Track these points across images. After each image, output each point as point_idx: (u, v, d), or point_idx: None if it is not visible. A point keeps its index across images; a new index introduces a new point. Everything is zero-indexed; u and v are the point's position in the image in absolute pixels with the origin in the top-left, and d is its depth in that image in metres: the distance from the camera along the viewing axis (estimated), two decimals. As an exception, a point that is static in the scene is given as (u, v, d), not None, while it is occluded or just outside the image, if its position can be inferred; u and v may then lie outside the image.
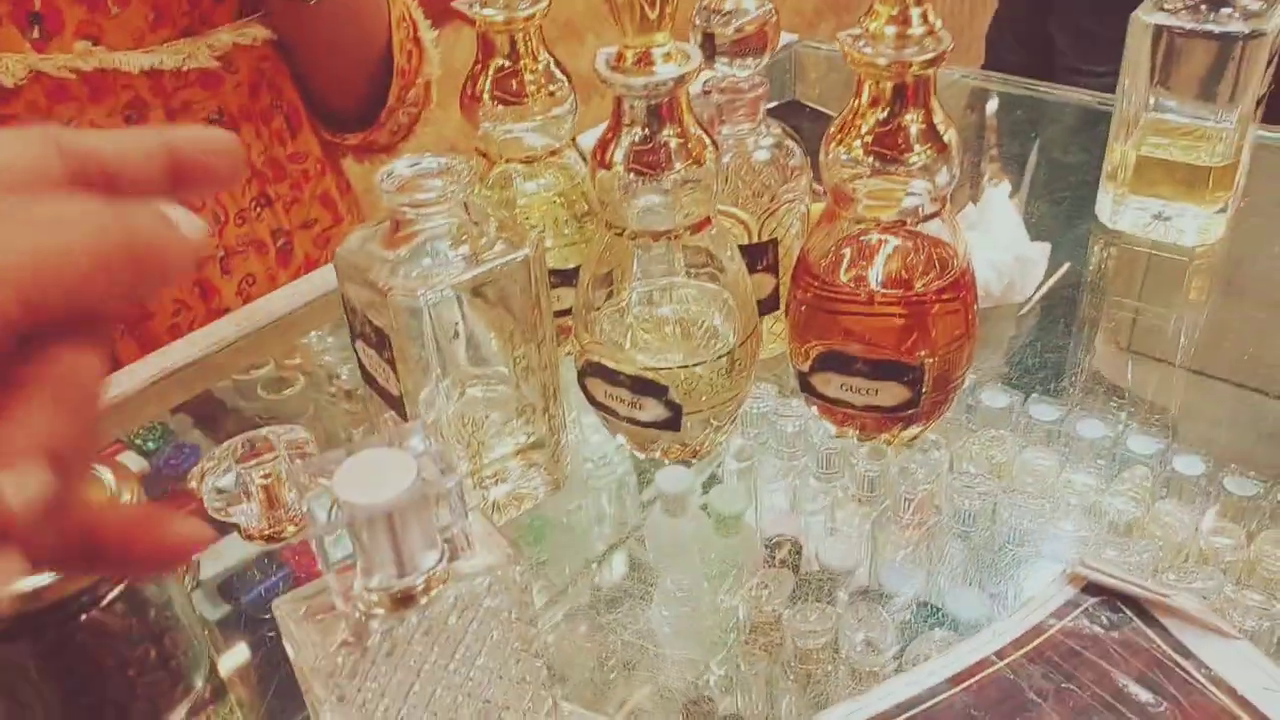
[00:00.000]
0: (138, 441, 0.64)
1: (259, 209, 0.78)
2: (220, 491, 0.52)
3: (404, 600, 0.36)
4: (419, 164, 0.48)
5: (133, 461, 0.62)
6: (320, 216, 0.84)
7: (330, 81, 0.83)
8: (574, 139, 0.61)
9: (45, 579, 0.39)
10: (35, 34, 0.66)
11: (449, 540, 0.36)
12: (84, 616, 0.40)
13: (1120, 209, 0.75)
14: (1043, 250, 0.68)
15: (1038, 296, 0.69)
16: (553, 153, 0.60)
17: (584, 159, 0.62)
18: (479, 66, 0.58)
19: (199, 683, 0.46)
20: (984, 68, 1.63)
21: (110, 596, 0.41)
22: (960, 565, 0.54)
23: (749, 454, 0.60)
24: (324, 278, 0.76)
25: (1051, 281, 0.70)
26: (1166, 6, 0.69)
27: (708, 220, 0.51)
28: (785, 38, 1.01)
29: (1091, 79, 1.19)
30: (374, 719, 0.36)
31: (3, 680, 0.41)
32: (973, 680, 0.43)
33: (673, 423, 0.53)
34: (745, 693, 0.49)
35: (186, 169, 0.29)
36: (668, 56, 0.47)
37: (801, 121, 0.84)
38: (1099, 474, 0.57)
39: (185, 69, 0.72)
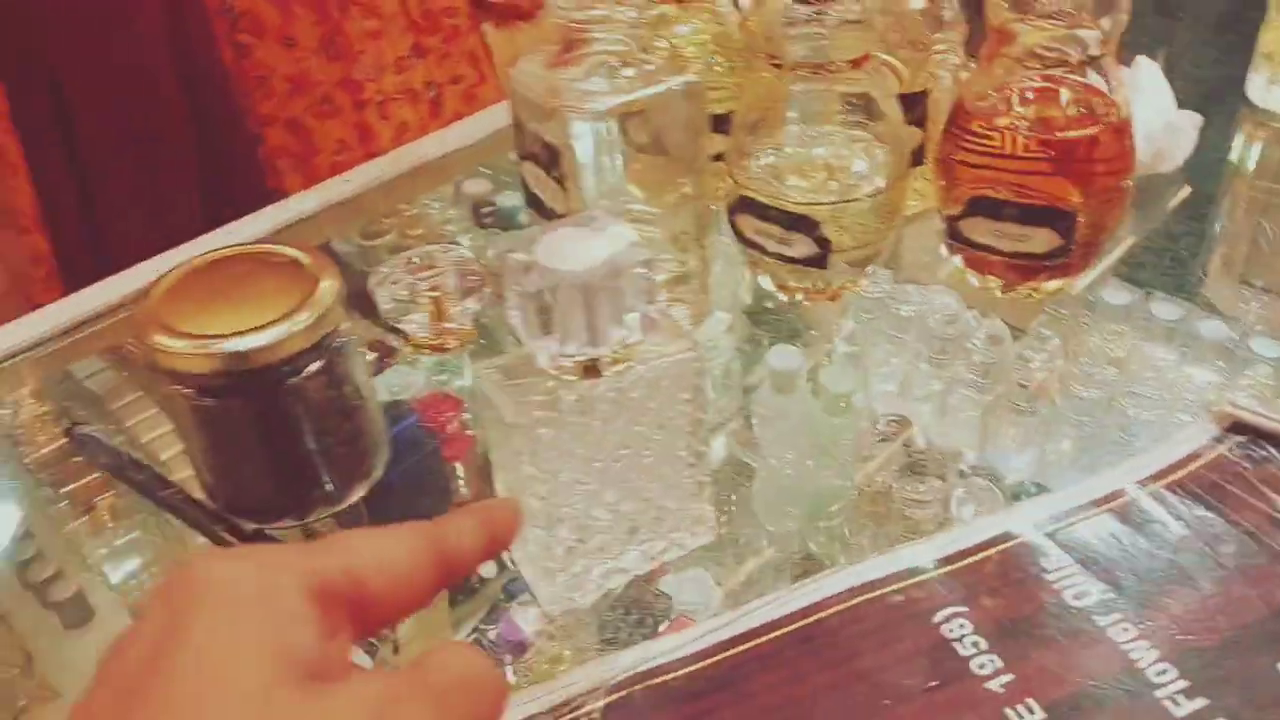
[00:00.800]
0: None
1: (414, 58, 0.81)
2: (395, 300, 0.55)
3: (593, 369, 0.38)
4: (598, -15, 0.49)
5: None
6: (467, 74, 0.86)
7: None
8: (731, -17, 0.62)
9: (257, 340, 0.43)
10: None
11: (637, 321, 0.38)
12: (288, 382, 0.44)
13: (1273, 89, 0.73)
14: (1193, 120, 0.67)
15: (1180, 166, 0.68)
16: (708, -6, 0.61)
17: (736, 4, 0.63)
18: (645, -95, 0.59)
19: (378, 469, 0.50)
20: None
21: (312, 368, 0.44)
22: (1073, 453, 0.54)
23: (860, 337, 0.61)
24: (468, 129, 0.78)
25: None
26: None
27: (866, 57, 0.52)
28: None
29: None
30: (559, 476, 0.40)
31: (216, 432, 0.45)
32: (1111, 504, 0.45)
33: (820, 260, 0.55)
34: (851, 558, 0.51)
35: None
36: (849, -117, 0.48)
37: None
38: (1219, 372, 0.57)
39: None
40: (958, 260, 0.58)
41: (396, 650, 0.45)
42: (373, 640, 0.44)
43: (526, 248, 0.37)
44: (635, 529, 0.43)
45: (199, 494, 0.48)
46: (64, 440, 0.57)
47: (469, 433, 0.55)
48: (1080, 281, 0.59)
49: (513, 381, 0.39)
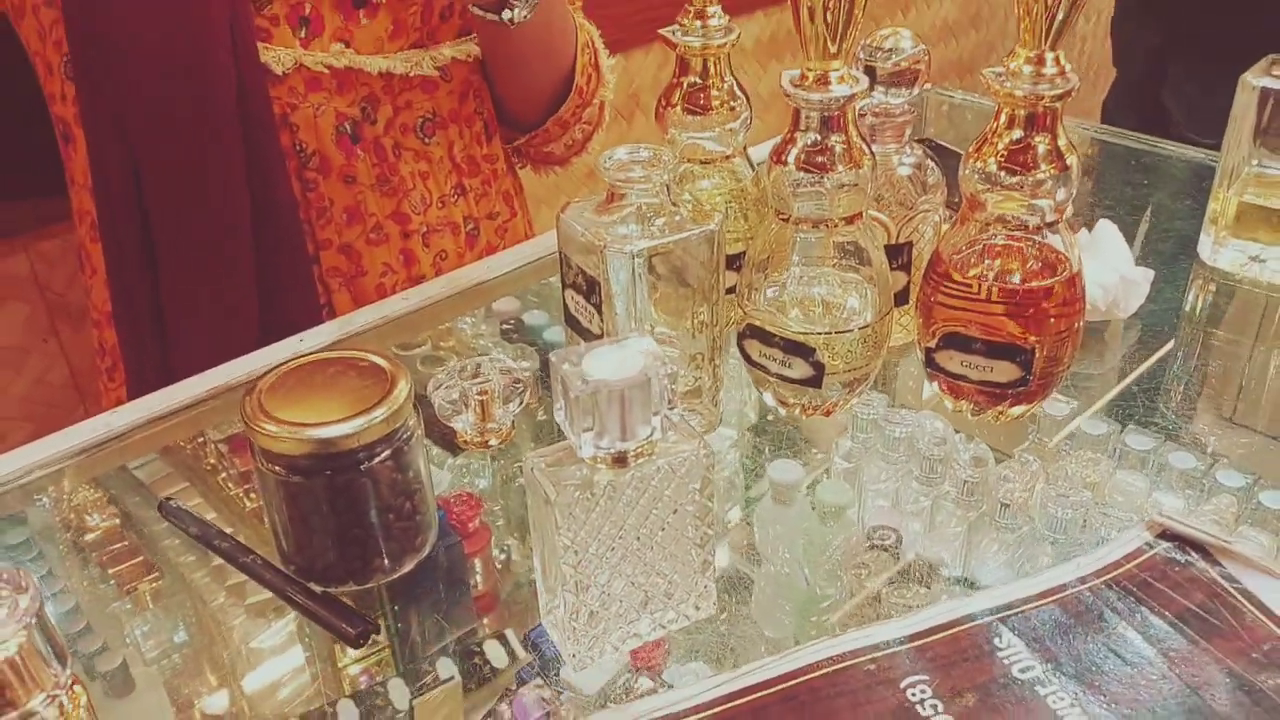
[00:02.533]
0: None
1: (456, 196, 0.92)
2: (448, 402, 0.64)
3: (621, 460, 0.47)
4: (634, 151, 0.60)
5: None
6: (500, 210, 0.97)
7: (517, 91, 0.96)
8: (745, 148, 0.73)
9: (341, 430, 0.51)
10: (302, 34, 0.81)
11: (659, 422, 0.47)
12: (363, 465, 0.53)
13: (1220, 249, 0.84)
14: (1146, 275, 0.77)
15: (1135, 314, 0.78)
16: (726, 157, 0.72)
17: (751, 165, 0.74)
18: (674, 81, 0.70)
19: (429, 545, 0.58)
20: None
21: (385, 454, 0.53)
22: (1048, 567, 0.61)
23: (856, 454, 0.69)
24: (500, 262, 0.89)
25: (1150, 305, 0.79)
26: (1275, 72, 0.78)
27: (859, 215, 0.62)
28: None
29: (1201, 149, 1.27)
30: (589, 549, 0.48)
31: (299, 506, 0.54)
32: (1056, 597, 0.52)
33: (815, 380, 0.64)
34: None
35: None
36: (841, 79, 0.59)
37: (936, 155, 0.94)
38: (1187, 500, 0.64)
39: (411, 74, 0.87)
40: (935, 386, 0.67)
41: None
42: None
43: (575, 360, 0.46)
44: (648, 599, 0.51)
45: (275, 560, 0.57)
46: (113, 523, 0.65)
47: (485, 528, 0.63)
48: (1043, 408, 0.67)
49: (556, 467, 0.47)
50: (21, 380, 1.30)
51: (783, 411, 0.68)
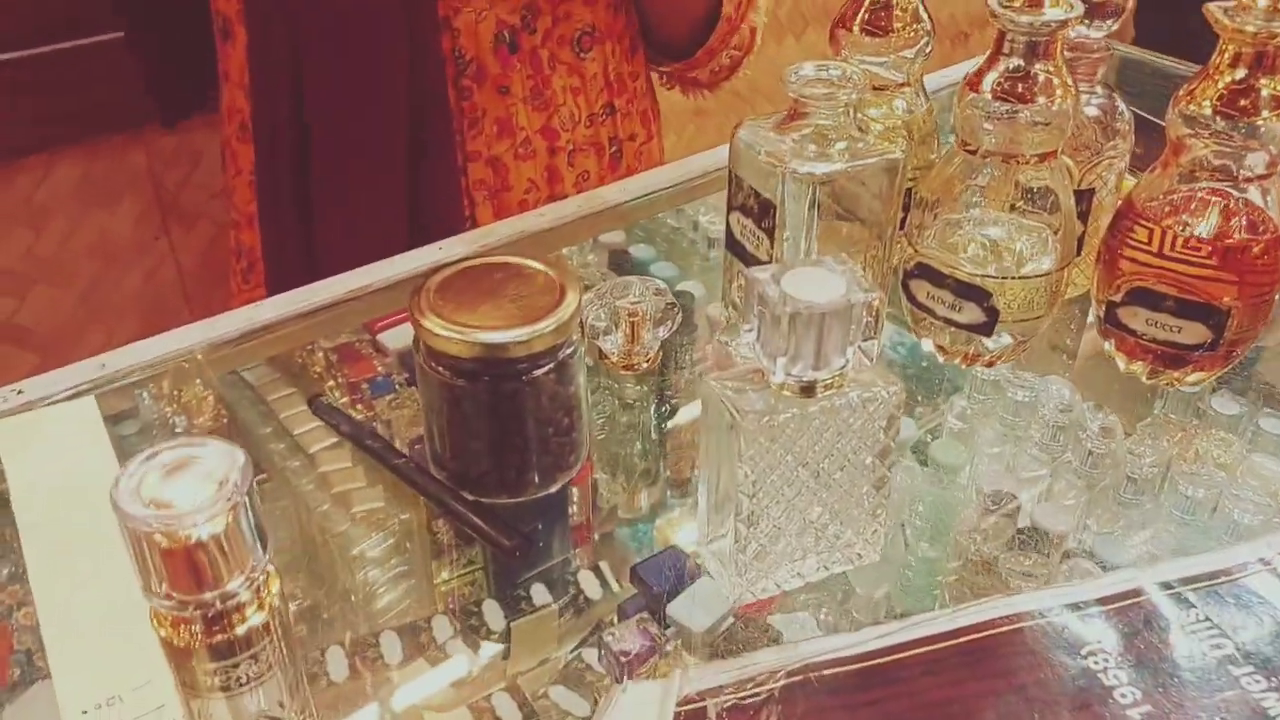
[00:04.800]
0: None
1: (605, 115, 0.89)
2: (596, 322, 0.62)
3: (809, 390, 0.45)
4: (823, 68, 0.57)
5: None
6: (639, 132, 0.94)
7: (664, 16, 0.93)
8: (920, 77, 0.69)
9: (508, 336, 0.50)
10: None
11: (853, 354, 0.45)
12: (527, 375, 0.51)
13: None
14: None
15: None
16: (901, 85, 0.68)
17: (925, 96, 0.70)
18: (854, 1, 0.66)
19: (579, 461, 0.56)
20: None
21: (549, 366, 0.51)
22: (1175, 549, 0.58)
23: (971, 416, 0.66)
24: (637, 184, 0.86)
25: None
26: None
27: (1054, 154, 0.58)
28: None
29: None
30: (767, 479, 0.46)
31: (460, 411, 0.52)
32: (1238, 576, 0.49)
33: (987, 328, 0.60)
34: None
35: None
36: (1056, 2, 0.55)
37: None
38: None
39: None
40: (1109, 345, 0.63)
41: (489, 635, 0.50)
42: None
43: (775, 278, 0.43)
44: (818, 538, 0.49)
45: (427, 465, 0.55)
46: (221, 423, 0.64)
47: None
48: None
49: (740, 392, 0.45)
50: (131, 276, 1.31)
51: (940, 359, 0.65)
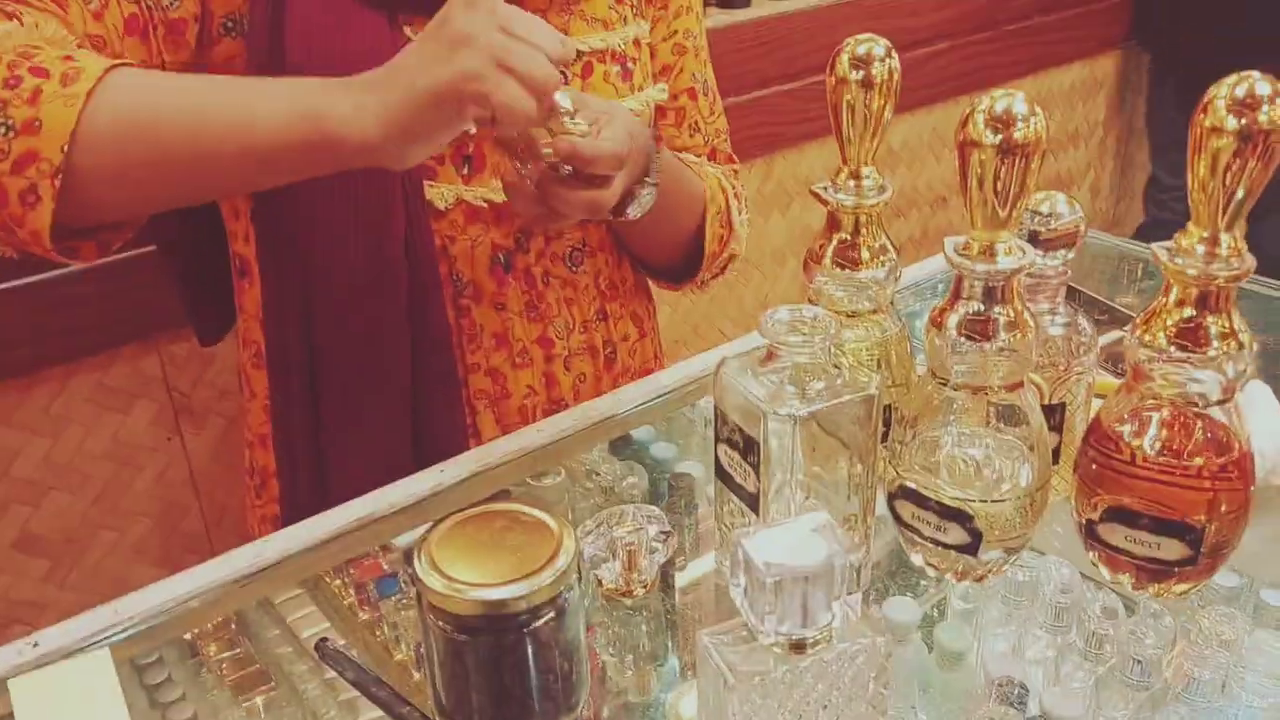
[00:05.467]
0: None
1: (598, 321, 0.94)
2: (595, 552, 0.64)
3: (800, 646, 0.47)
4: (798, 311, 0.61)
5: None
6: (630, 332, 0.99)
7: (649, 255, 0.98)
8: (892, 302, 0.73)
9: (509, 592, 0.52)
10: (465, 170, 0.85)
11: (839, 609, 0.47)
12: (528, 627, 0.53)
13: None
14: (1304, 440, 0.74)
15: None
16: (873, 311, 0.72)
17: (898, 319, 0.74)
18: (825, 236, 0.71)
19: (580, 703, 0.58)
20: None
21: (549, 616, 0.53)
22: None
23: (975, 595, 0.67)
24: (630, 395, 0.90)
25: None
26: None
27: (1020, 383, 0.62)
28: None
29: None
30: (765, 736, 0.47)
31: (461, 662, 0.54)
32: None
33: (972, 548, 0.63)
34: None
35: None
36: (1008, 250, 0.59)
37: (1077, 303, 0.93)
38: None
39: None
40: (1092, 555, 0.65)
41: None
42: None
43: (757, 539, 0.46)
44: (817, 785, 0.50)
45: (431, 712, 0.57)
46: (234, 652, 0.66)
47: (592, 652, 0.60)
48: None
49: (732, 648, 0.47)
50: (144, 476, 1.34)
51: (932, 574, 0.67)
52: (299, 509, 0.85)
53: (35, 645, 0.63)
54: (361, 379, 0.85)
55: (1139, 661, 0.62)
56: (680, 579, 0.70)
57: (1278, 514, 0.74)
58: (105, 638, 0.64)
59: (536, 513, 0.57)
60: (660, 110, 0.96)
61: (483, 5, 0.64)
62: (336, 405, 0.85)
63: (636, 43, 0.92)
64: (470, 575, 0.53)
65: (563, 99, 0.68)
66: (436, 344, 0.85)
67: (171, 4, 0.75)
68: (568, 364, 0.92)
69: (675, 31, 0.96)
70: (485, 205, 0.84)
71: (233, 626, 0.68)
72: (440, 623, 0.53)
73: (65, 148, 0.62)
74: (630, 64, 0.91)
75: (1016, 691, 0.60)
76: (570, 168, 0.72)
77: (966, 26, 2.11)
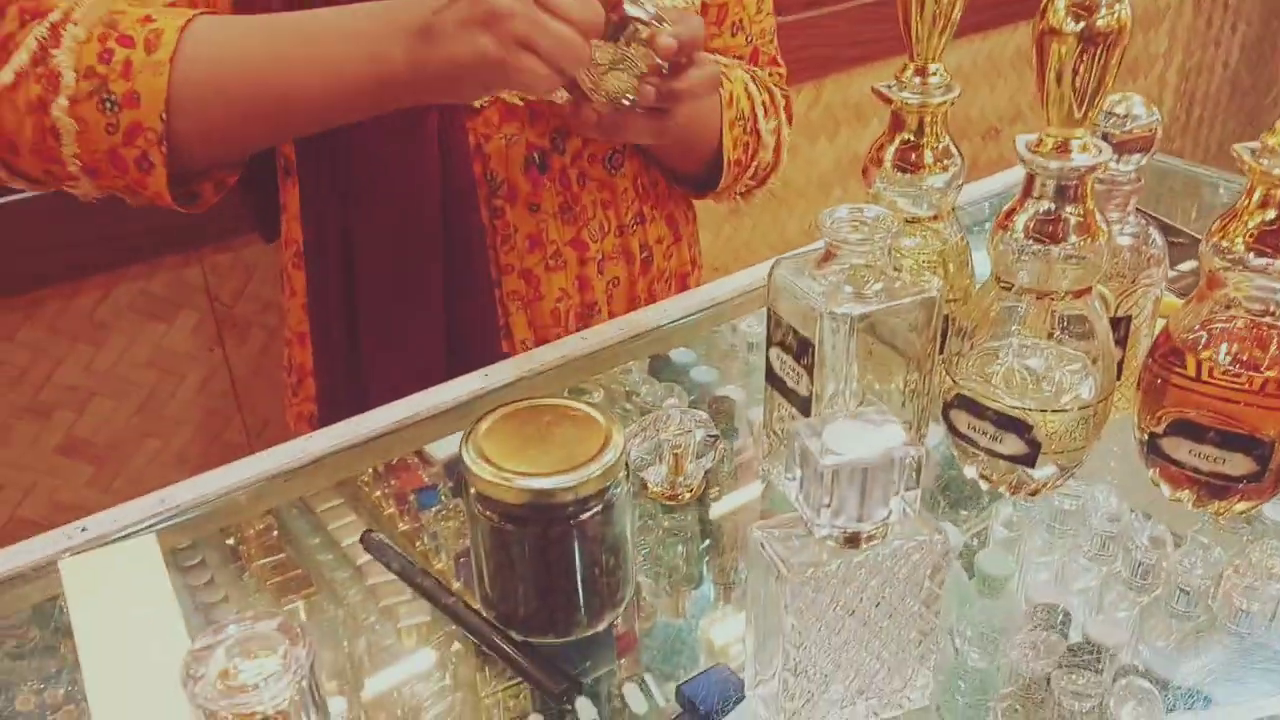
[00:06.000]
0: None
1: (635, 225, 0.92)
2: (641, 455, 0.63)
3: (854, 541, 0.45)
4: (858, 210, 0.58)
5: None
6: (665, 235, 0.96)
7: (667, 160, 0.95)
8: (954, 209, 0.71)
9: (556, 482, 0.51)
10: None
11: (897, 505, 0.45)
12: (574, 519, 0.52)
13: None
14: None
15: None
16: (934, 217, 0.70)
17: (959, 225, 0.71)
18: (887, 137, 0.69)
19: (625, 600, 0.57)
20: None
21: (596, 509, 0.52)
22: (1233, 665, 0.57)
23: (1018, 523, 0.65)
24: (675, 307, 0.88)
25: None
26: None
27: (1088, 290, 0.59)
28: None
29: None
30: (814, 629, 0.46)
31: (508, 553, 0.53)
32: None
33: (1029, 459, 0.61)
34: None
35: None
36: (1084, 148, 0.56)
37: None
38: None
39: None
40: (1153, 472, 0.63)
41: None
42: None
43: (816, 432, 0.44)
44: (866, 685, 0.49)
45: (474, 604, 0.56)
46: (283, 553, 0.66)
47: None
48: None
49: (785, 542, 0.46)
50: (186, 386, 1.35)
51: (985, 487, 0.66)
52: (336, 405, 0.85)
53: (84, 530, 0.63)
54: (397, 276, 0.84)
55: (1185, 592, 0.61)
56: (717, 508, 0.69)
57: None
58: (151, 526, 0.64)
59: (585, 407, 0.56)
60: (703, 6, 0.92)
61: None
62: (372, 302, 0.85)
63: None
64: (518, 465, 0.52)
65: (636, 10, 0.68)
66: (470, 244, 0.83)
67: None
68: (601, 267, 0.90)
69: None
70: (520, 103, 0.82)
71: (274, 532, 0.68)
72: (487, 512, 0.52)
73: (163, 115, 0.67)
74: None
75: (1060, 618, 0.59)
76: (630, 99, 0.71)
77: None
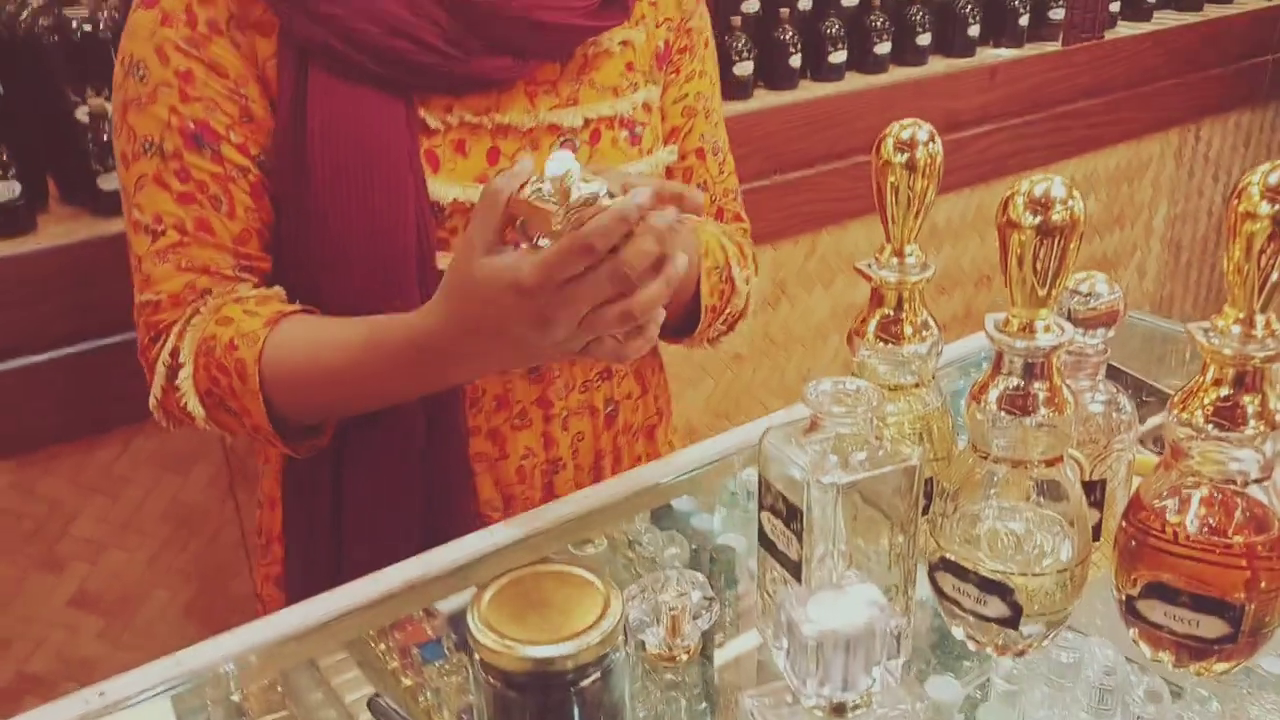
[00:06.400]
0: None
1: (600, 381, 0.95)
2: (640, 617, 0.66)
3: (840, 710, 0.48)
4: (841, 384, 0.63)
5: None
6: (633, 389, 1.00)
7: None
8: (934, 376, 0.75)
9: (557, 650, 0.53)
10: None
11: (879, 674, 0.48)
12: (574, 685, 0.55)
13: None
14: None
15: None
16: (916, 385, 0.74)
17: (940, 393, 0.75)
18: (869, 311, 0.74)
19: (623, 762, 0.59)
20: None
21: (595, 676, 0.55)
22: None
23: (1018, 676, 0.67)
24: (672, 465, 0.92)
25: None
26: None
27: (1060, 458, 0.63)
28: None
29: None
30: (805, 798, 0.48)
31: (512, 717, 0.55)
32: None
33: (1012, 621, 0.63)
34: None
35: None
36: (1047, 328, 0.61)
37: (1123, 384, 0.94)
38: None
39: None
40: (1133, 633, 0.65)
41: None
42: None
43: (801, 603, 0.47)
44: None
45: (478, 768, 0.58)
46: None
47: None
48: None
49: (777, 711, 0.48)
50: (197, 539, 1.38)
51: (972, 648, 0.68)
52: (307, 568, 0.90)
53: (102, 695, 0.65)
54: (377, 442, 0.88)
55: None
56: (719, 656, 0.71)
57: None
58: (167, 689, 0.67)
59: (585, 573, 0.59)
60: (668, 171, 0.98)
61: (530, 286, 0.68)
62: (352, 465, 0.88)
63: (646, 107, 0.94)
64: (520, 633, 0.54)
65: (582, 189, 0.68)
66: (445, 405, 0.87)
67: (251, 166, 0.84)
68: (565, 423, 0.94)
69: (686, 94, 0.99)
70: None
71: (279, 689, 0.70)
72: (491, 678, 0.55)
73: (269, 420, 0.81)
74: (639, 129, 0.94)
75: None
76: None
77: (1012, 109, 2.15)
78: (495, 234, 0.71)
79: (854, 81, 1.93)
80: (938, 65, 2.06)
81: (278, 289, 0.86)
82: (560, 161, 0.67)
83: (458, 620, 0.73)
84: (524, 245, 0.71)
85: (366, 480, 0.89)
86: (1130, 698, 0.63)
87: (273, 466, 0.95)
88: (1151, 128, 2.47)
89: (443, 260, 0.86)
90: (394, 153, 0.82)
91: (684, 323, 0.98)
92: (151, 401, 0.86)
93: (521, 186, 0.69)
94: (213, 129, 0.82)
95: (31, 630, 1.28)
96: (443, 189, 0.84)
